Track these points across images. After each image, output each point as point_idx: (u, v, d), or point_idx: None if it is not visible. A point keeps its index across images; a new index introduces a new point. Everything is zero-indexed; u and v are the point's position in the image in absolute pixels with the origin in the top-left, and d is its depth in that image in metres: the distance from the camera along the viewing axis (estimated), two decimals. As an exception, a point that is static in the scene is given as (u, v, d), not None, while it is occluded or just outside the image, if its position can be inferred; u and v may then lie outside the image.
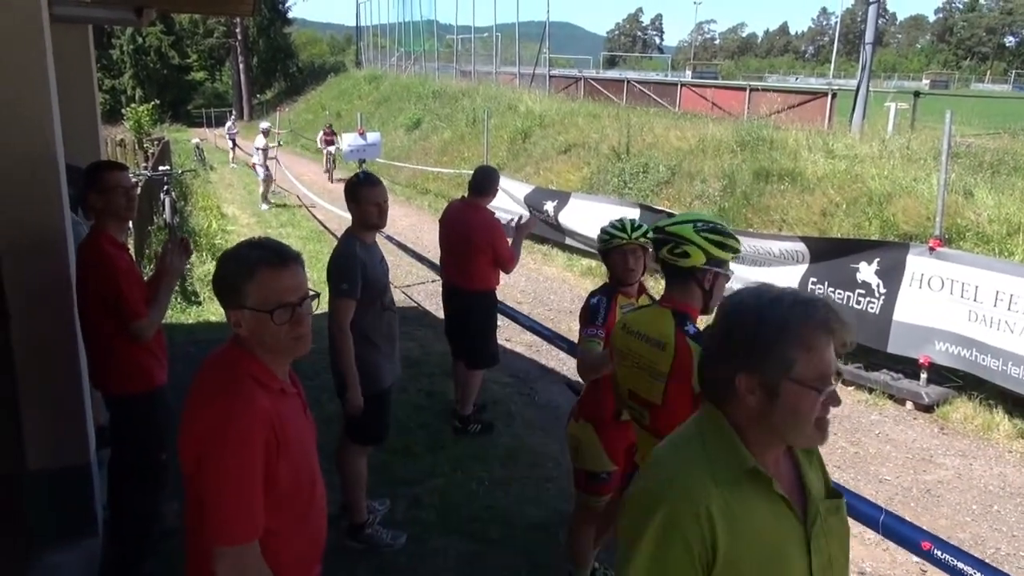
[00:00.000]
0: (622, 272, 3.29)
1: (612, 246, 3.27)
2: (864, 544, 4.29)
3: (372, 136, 11.48)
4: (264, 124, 18.35)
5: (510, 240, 5.25)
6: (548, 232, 11.38)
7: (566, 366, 6.54)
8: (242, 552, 1.76)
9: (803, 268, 7.27)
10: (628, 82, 22.70)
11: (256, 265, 1.83)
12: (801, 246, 7.38)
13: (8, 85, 3.11)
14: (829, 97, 15.66)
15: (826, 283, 7.01)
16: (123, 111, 33.51)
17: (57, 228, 3.36)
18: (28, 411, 3.36)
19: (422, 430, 5.38)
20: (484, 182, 5.26)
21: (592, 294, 3.33)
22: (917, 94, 14.39)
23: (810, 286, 7.14)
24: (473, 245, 5.15)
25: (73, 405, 3.52)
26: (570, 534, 3.58)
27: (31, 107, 3.18)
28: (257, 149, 16.36)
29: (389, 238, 10.47)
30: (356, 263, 3.58)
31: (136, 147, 21.35)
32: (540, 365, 6.97)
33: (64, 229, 3.40)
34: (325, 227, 13.46)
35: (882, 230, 7.87)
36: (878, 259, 6.57)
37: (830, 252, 7.10)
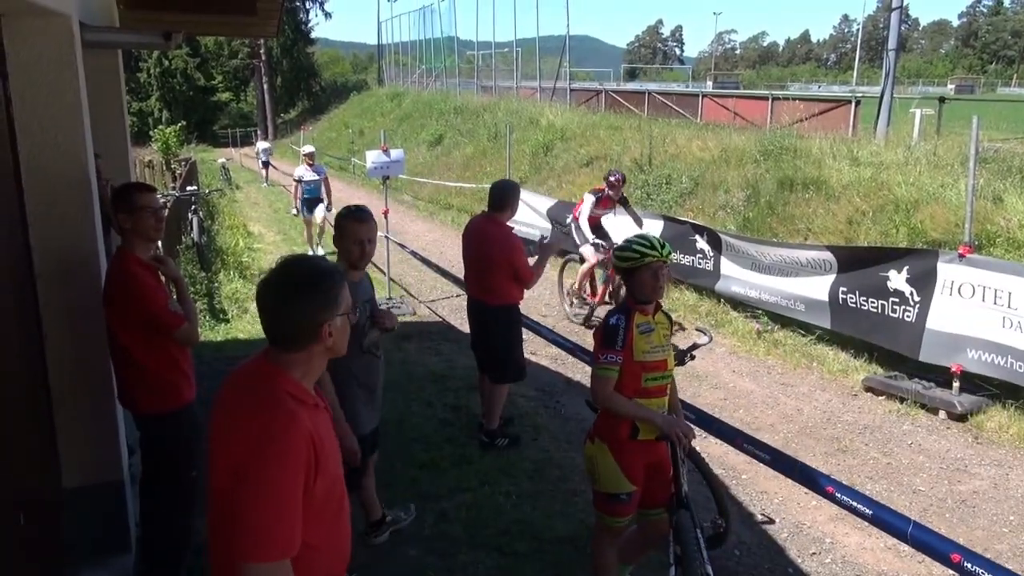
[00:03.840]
0: (650, 290, 3.17)
1: (642, 264, 3.14)
2: (900, 557, 4.22)
3: (395, 153, 11.62)
4: (307, 148, 14.00)
5: (534, 258, 5.26)
6: (571, 245, 11.39)
7: (590, 377, 6.52)
8: (272, 570, 1.75)
9: (831, 277, 7.20)
10: (649, 94, 22.68)
11: (343, 273, 2.03)
12: (828, 255, 7.31)
13: (43, 109, 3.19)
14: (852, 104, 15.53)
15: (857, 292, 6.93)
16: (151, 133, 34.17)
17: (90, 250, 3.43)
18: (62, 430, 3.41)
19: (449, 444, 5.39)
20: (501, 197, 5.27)
21: (611, 313, 3.25)
22: (942, 100, 14.22)
23: (840, 295, 7.06)
24: (492, 260, 5.17)
25: (106, 423, 3.58)
26: (593, 553, 3.55)
27: (65, 130, 3.26)
28: (299, 181, 12.49)
29: (414, 253, 10.53)
30: None
31: (164, 168, 21.71)
32: (566, 378, 6.96)
33: (97, 251, 3.47)
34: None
35: (910, 238, 7.78)
36: (907, 267, 6.49)
37: (858, 261, 7.02)
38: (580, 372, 6.87)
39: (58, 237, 3.31)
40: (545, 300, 9.72)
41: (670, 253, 3.23)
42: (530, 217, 12.26)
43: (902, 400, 6.28)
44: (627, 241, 3.24)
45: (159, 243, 3.81)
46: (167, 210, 8.70)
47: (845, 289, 7.05)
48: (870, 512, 3.40)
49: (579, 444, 5.36)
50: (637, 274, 3.17)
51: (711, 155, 12.22)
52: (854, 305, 6.99)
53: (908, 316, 6.46)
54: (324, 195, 12.34)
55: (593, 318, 8.49)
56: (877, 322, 6.77)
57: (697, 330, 7.35)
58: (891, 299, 6.62)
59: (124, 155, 5.59)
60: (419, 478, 4.88)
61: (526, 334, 5.79)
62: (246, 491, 1.75)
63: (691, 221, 9.54)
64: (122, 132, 5.54)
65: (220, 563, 1.91)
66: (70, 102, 3.26)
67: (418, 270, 11.15)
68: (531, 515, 4.48)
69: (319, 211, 12.38)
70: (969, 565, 2.98)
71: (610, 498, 3.28)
